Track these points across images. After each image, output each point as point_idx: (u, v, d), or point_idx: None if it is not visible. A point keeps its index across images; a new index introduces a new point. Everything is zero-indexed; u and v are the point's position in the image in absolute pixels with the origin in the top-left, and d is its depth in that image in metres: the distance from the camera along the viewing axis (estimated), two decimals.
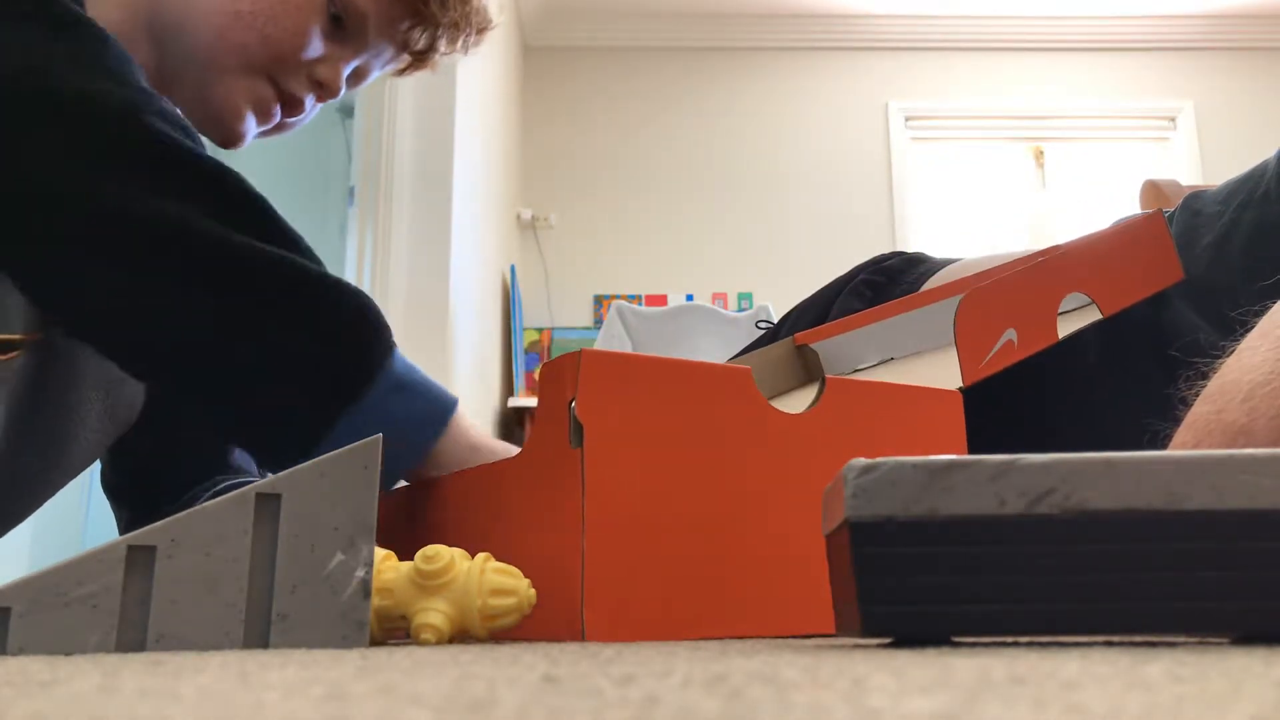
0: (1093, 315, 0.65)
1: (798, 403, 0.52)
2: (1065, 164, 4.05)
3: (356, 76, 0.74)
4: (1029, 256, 0.68)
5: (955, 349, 0.57)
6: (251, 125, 0.70)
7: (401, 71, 0.78)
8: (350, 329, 0.53)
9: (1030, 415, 0.70)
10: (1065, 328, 0.63)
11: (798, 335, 0.74)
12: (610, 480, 0.44)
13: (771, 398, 0.69)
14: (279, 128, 0.73)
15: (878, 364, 0.72)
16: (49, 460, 0.71)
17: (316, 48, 0.69)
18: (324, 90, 0.71)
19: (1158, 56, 4.07)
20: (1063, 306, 0.64)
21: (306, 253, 0.54)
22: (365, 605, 0.37)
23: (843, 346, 0.72)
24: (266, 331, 0.52)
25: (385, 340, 0.54)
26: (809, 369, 0.73)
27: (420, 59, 0.76)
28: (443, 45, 0.75)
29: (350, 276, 2.28)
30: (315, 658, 0.29)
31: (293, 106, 0.71)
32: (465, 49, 0.77)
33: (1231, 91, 4.03)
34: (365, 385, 0.52)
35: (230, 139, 0.70)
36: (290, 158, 3.31)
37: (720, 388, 0.48)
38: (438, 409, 0.56)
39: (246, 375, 0.52)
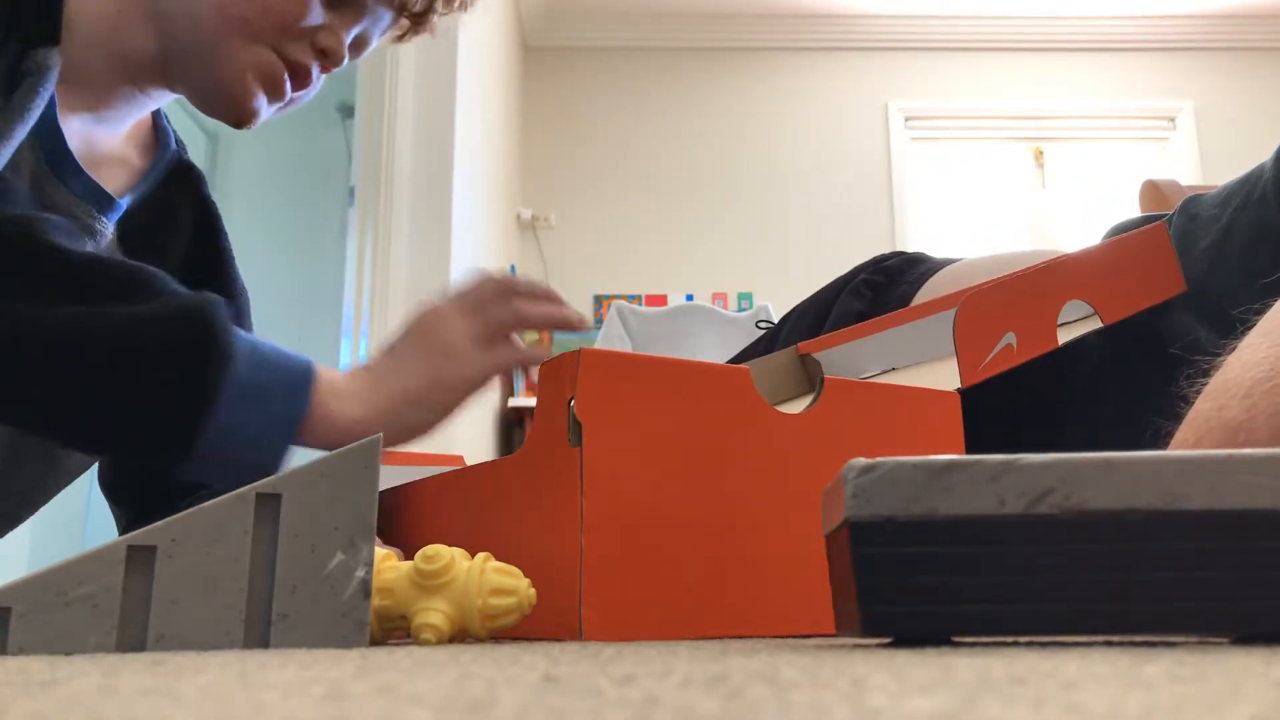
0: (1094, 324, 0.65)
1: (798, 410, 0.52)
2: (1065, 164, 4.05)
3: (357, 46, 0.74)
4: (1031, 265, 0.68)
5: (955, 353, 0.57)
6: (263, 102, 0.70)
7: (401, 37, 0.77)
8: (180, 359, 0.53)
9: (1031, 416, 0.69)
10: (1066, 336, 0.63)
11: (800, 345, 0.73)
12: (609, 479, 0.44)
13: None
14: (288, 103, 0.73)
15: (880, 373, 0.72)
16: (47, 470, 0.72)
17: (317, 15, 0.69)
18: (328, 59, 0.71)
19: (1158, 56, 4.07)
20: (1065, 315, 0.64)
21: (108, 277, 0.55)
22: (365, 605, 0.37)
23: (845, 356, 0.72)
24: (107, 396, 0.53)
25: (217, 354, 0.54)
26: (811, 378, 0.73)
27: (418, 22, 0.75)
28: (439, 5, 0.74)
29: (350, 276, 2.28)
30: (315, 658, 0.29)
31: (300, 77, 0.71)
32: (464, 7, 0.76)
33: (1231, 91, 4.03)
34: (207, 408, 0.53)
35: (243, 117, 0.70)
36: (290, 158, 3.31)
37: (720, 388, 0.48)
38: (292, 394, 0.57)
39: (112, 432, 0.55)
